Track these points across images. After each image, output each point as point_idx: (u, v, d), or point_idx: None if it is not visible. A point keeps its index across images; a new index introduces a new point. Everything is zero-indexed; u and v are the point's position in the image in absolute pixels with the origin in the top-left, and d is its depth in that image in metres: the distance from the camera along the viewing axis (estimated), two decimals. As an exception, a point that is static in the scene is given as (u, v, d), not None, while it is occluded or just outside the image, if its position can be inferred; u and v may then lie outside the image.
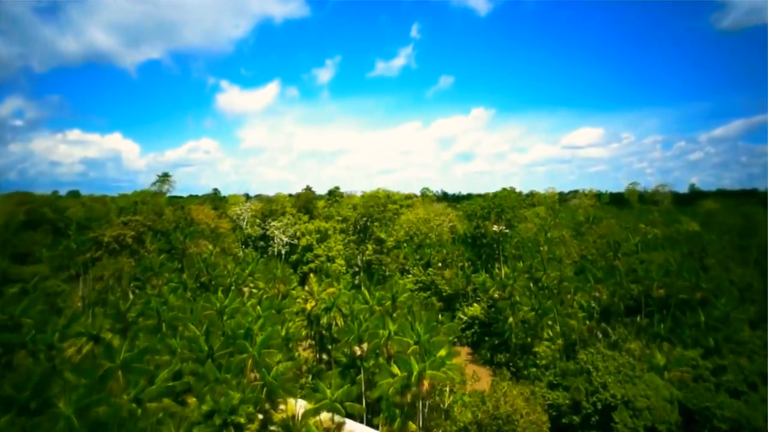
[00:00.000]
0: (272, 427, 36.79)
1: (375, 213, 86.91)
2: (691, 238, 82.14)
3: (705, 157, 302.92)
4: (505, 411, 37.65)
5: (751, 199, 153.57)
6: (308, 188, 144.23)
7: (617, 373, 42.70)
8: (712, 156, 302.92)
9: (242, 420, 32.83)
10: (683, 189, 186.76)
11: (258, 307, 50.42)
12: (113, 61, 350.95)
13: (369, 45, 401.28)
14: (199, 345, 41.57)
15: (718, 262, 64.28)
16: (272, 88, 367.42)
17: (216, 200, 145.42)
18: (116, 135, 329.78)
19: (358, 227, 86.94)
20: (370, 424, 42.36)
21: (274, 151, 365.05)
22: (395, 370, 36.15)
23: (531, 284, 67.38)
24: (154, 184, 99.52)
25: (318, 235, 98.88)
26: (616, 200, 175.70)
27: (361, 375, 44.72)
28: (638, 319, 54.98)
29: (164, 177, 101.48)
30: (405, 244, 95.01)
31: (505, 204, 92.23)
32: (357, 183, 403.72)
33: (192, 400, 37.28)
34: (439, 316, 50.70)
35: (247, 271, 64.96)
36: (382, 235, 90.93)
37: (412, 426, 39.39)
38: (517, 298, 64.04)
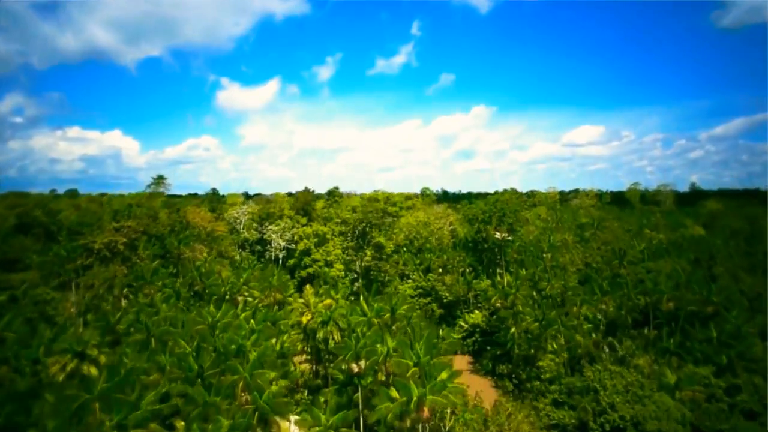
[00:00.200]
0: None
1: (374, 218, 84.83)
2: (696, 243, 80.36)
3: (705, 155, 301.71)
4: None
5: (753, 200, 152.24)
6: (307, 189, 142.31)
7: (626, 392, 40.93)
8: (712, 154, 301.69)
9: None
10: (683, 187, 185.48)
11: (252, 321, 48.49)
12: (113, 58, 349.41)
13: (369, 42, 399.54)
14: (189, 363, 39.68)
15: (726, 270, 62.41)
16: (273, 86, 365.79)
17: (214, 201, 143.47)
18: (116, 132, 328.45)
19: (356, 233, 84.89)
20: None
21: (275, 148, 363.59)
22: (394, 393, 34.31)
23: (534, 293, 65.54)
24: (149, 186, 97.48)
25: (316, 239, 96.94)
26: (617, 200, 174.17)
27: (359, 393, 42.91)
28: (646, 331, 53.12)
29: (159, 179, 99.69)
30: (405, 249, 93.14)
31: (506, 208, 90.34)
32: (357, 181, 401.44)
33: (180, 424, 35.48)
34: (440, 331, 48.70)
35: (241, 280, 63.03)
36: (381, 239, 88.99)
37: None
38: (520, 308, 62.20)
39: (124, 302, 64.76)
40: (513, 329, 61.70)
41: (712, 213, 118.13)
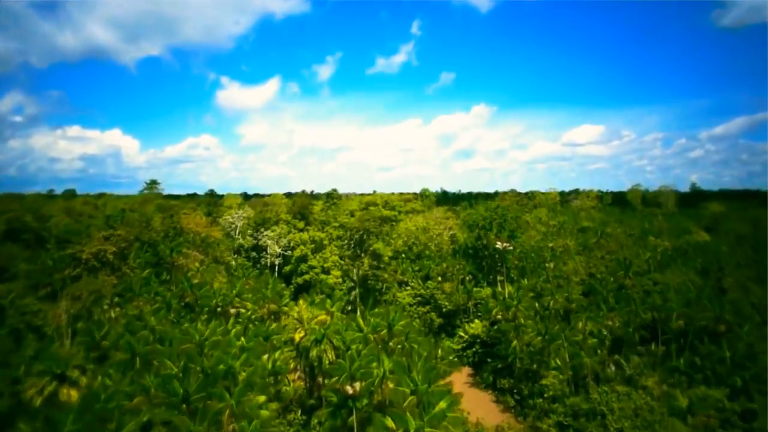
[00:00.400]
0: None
1: (371, 227, 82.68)
2: (702, 251, 78.25)
3: (705, 154, 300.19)
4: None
5: (754, 200, 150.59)
6: (304, 193, 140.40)
7: (635, 416, 38.83)
8: (712, 153, 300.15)
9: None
10: (684, 187, 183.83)
11: (242, 338, 46.35)
12: (113, 57, 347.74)
13: (369, 41, 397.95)
14: (174, 387, 37.55)
15: (735, 281, 60.29)
16: (272, 85, 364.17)
17: (211, 204, 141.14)
18: (116, 131, 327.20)
19: (353, 242, 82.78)
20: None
21: (274, 147, 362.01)
22: (390, 423, 32.20)
23: (536, 304, 63.47)
24: (142, 191, 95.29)
25: (313, 245, 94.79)
26: (618, 200, 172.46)
27: (354, 417, 40.81)
28: (653, 347, 50.99)
29: (152, 183, 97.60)
30: (403, 255, 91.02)
31: (507, 214, 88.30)
32: (357, 180, 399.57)
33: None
34: (440, 350, 46.60)
35: (234, 292, 60.86)
36: (379, 245, 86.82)
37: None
38: (522, 321, 60.15)
39: (113, 312, 62.69)
40: (514, 342, 59.64)
41: (715, 216, 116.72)
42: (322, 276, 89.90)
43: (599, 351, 50.23)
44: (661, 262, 69.56)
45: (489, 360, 66.98)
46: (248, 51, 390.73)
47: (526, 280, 74.47)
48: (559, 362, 51.73)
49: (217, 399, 35.83)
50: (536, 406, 52.56)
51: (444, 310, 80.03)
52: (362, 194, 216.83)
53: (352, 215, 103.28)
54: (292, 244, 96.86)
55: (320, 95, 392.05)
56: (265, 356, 48.15)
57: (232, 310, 61.03)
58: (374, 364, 41.97)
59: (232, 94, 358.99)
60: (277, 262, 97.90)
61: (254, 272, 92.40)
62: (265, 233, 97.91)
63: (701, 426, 38.40)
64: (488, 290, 77.51)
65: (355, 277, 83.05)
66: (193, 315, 61.57)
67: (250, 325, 59.64)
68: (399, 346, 49.88)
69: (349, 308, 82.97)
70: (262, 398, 38.59)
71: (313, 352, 45.99)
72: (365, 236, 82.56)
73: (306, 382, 51.42)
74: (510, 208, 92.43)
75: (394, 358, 41.35)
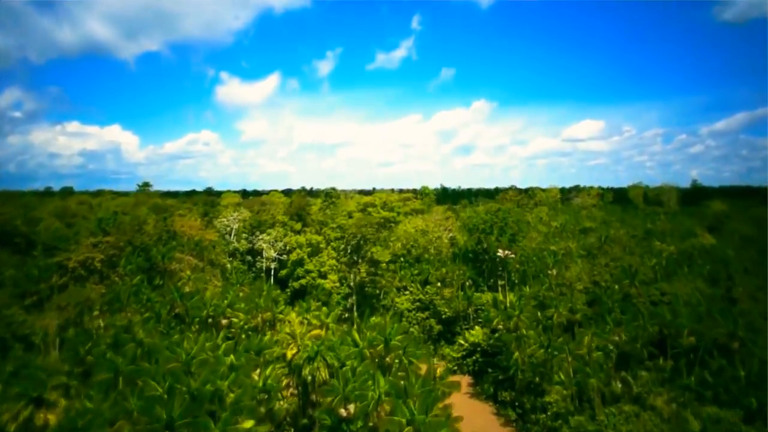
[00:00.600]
0: None
1: (368, 233, 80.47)
2: (709, 255, 76.16)
3: (705, 150, 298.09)
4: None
5: (755, 198, 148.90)
6: (302, 192, 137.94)
7: (644, 440, 36.83)
8: (712, 149, 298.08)
9: None
10: (684, 183, 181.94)
11: (232, 356, 44.20)
12: (112, 53, 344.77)
13: (370, 37, 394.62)
14: (158, 412, 35.45)
15: (745, 290, 58.18)
16: (272, 80, 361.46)
17: (208, 203, 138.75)
18: (115, 127, 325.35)
19: (350, 249, 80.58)
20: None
21: (274, 143, 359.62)
22: (385, 456, 30.19)
23: (539, 313, 61.39)
24: (134, 194, 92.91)
25: (309, 249, 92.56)
26: (619, 197, 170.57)
27: (348, 440, 38.81)
28: (661, 361, 48.89)
29: (144, 185, 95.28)
30: (402, 259, 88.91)
31: (508, 217, 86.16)
32: (357, 176, 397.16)
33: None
34: (438, 370, 44.52)
35: (225, 303, 58.71)
36: (377, 250, 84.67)
37: None
38: (524, 332, 58.08)
39: (102, 321, 60.62)
40: (516, 354, 57.64)
41: (717, 215, 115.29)
42: (319, 280, 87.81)
43: (605, 366, 48.12)
44: (667, 268, 67.39)
45: (490, 370, 65.04)
46: (248, 46, 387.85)
47: (528, 287, 72.33)
48: (562, 376, 49.70)
49: (203, 427, 33.76)
50: (539, 422, 50.65)
51: (443, 316, 78.06)
52: (361, 191, 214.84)
53: (350, 216, 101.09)
54: (288, 248, 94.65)
55: (320, 91, 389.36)
56: (257, 372, 46.11)
57: (224, 321, 58.94)
58: (369, 383, 40.01)
59: (231, 90, 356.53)
60: (273, 266, 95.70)
61: (249, 276, 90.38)
62: (260, 237, 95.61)
63: (715, 452, 36.41)
64: (489, 296, 75.46)
65: (352, 284, 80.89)
66: (183, 326, 59.49)
67: (242, 336, 57.69)
68: (396, 361, 47.90)
69: (346, 315, 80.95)
70: (250, 423, 36.54)
71: (306, 371, 43.94)
72: (362, 242, 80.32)
73: (299, 400, 49.36)
74: (511, 211, 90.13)
75: (390, 379, 39.26)
